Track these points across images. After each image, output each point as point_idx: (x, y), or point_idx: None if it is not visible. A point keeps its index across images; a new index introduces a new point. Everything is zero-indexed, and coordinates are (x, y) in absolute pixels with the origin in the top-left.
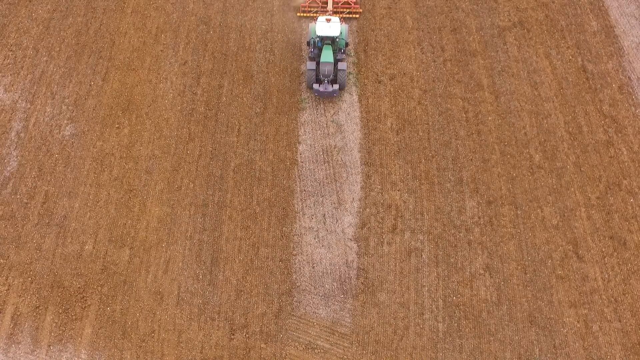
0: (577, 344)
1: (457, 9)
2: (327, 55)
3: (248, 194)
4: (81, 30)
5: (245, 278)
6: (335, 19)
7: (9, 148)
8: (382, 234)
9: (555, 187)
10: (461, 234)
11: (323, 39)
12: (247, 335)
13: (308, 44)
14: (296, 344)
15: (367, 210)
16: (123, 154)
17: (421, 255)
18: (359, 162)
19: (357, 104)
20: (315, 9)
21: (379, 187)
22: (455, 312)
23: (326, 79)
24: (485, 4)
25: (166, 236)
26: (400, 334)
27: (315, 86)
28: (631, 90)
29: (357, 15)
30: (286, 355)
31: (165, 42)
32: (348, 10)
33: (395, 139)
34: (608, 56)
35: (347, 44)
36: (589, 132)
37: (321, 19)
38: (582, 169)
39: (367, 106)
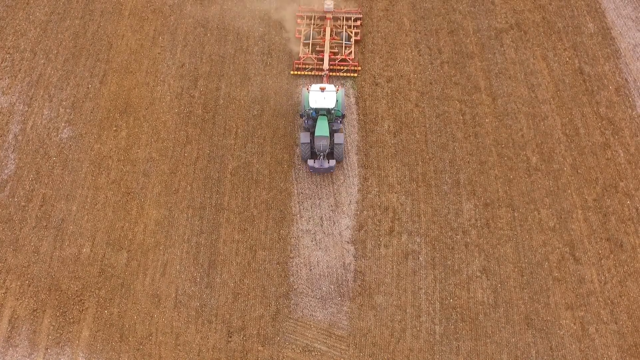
0: (573, 346)
1: (454, 11)
2: (322, 128)
3: (245, 196)
4: (79, 32)
5: (243, 281)
6: (331, 87)
7: (7, 151)
8: (379, 237)
9: (552, 189)
10: (458, 237)
11: (318, 110)
12: (244, 338)
13: (301, 116)
14: (293, 346)
15: (364, 212)
16: (121, 157)
17: (418, 258)
18: (356, 165)
19: (354, 106)
20: (310, 66)
21: (376, 189)
22: (452, 315)
23: (322, 153)
24: (482, 6)
25: (164, 239)
26: (397, 336)
27: (310, 162)
28: (628, 92)
29: (356, 74)
30: (283, 357)
31: (162, 45)
32: (346, 67)
33: (392, 142)
34: (605, 58)
35: (344, 116)
36: (585, 134)
37: (314, 87)
38: (579, 171)
39: (364, 108)
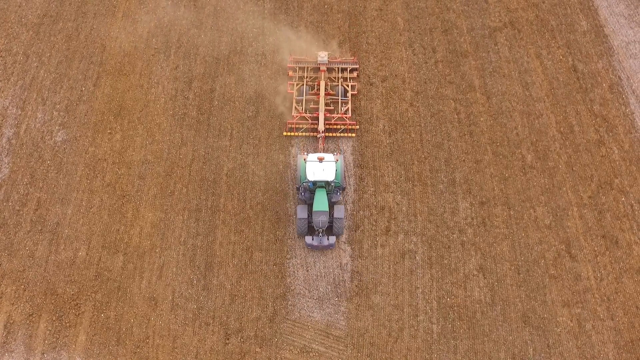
0: (570, 343)
1: (448, 10)
2: (320, 202)
3: (241, 198)
4: (72, 35)
5: (240, 282)
6: (329, 157)
7: (0, 155)
8: (376, 236)
9: (547, 187)
10: (454, 235)
11: (316, 181)
12: (241, 339)
13: (297, 189)
14: (291, 347)
15: (361, 212)
16: (115, 160)
17: (415, 257)
18: (351, 165)
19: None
20: (304, 126)
21: (372, 189)
22: (449, 314)
23: (321, 230)
24: (476, 4)
25: (160, 241)
26: (395, 336)
27: (309, 240)
28: (621, 90)
29: (354, 134)
30: (281, 359)
31: (156, 47)
32: (343, 127)
33: (387, 141)
34: (598, 56)
35: (344, 189)
36: (580, 131)
37: (312, 157)
38: (573, 168)
39: (359, 108)
